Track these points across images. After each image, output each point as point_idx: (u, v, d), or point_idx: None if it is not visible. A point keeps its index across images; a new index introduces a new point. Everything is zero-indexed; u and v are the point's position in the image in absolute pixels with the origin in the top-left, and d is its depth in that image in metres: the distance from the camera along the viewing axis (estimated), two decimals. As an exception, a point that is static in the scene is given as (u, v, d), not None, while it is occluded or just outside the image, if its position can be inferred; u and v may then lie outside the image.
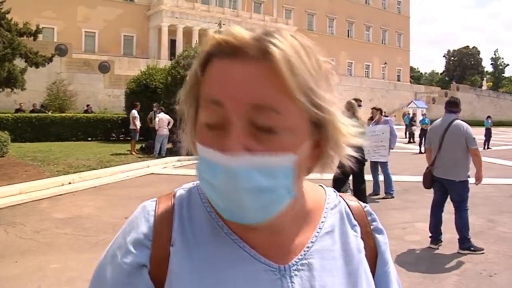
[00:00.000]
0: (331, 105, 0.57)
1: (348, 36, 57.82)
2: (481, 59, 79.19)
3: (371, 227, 0.73)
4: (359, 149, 0.61)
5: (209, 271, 0.60)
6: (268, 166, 0.53)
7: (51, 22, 37.16)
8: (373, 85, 47.94)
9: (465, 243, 4.84)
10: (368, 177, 7.77)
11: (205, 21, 41.73)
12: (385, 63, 56.26)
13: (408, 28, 66.04)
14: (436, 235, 5.05)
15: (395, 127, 8.03)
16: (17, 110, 19.85)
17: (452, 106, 5.11)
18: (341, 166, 0.63)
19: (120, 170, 10.23)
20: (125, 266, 0.60)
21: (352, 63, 57.29)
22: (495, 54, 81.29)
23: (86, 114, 19.41)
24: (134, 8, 42.72)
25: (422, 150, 16.49)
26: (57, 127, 17.21)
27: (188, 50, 14.99)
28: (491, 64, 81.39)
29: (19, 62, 14.34)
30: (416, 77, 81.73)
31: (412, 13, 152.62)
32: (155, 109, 14.17)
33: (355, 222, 0.71)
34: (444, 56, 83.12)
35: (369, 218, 0.74)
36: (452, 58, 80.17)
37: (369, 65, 59.58)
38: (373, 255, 0.71)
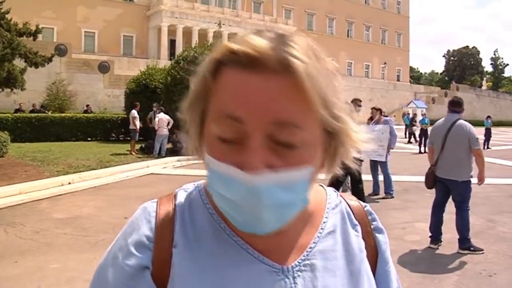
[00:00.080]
0: (344, 113, 0.57)
1: (347, 36, 57.84)
2: (480, 59, 79.24)
3: (372, 226, 0.73)
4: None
5: (212, 272, 0.59)
6: (289, 181, 0.53)
7: (51, 22, 37.15)
8: (373, 85, 47.96)
9: (465, 243, 4.84)
10: (368, 177, 7.78)
11: (204, 21, 41.74)
12: (385, 63, 56.28)
13: (408, 28, 66.07)
14: (436, 235, 5.05)
15: (395, 127, 8.03)
16: (17, 110, 19.84)
17: (455, 106, 5.09)
18: (346, 168, 0.64)
19: (119, 170, 10.22)
20: (127, 268, 0.60)
21: (351, 63, 57.29)
22: (494, 54, 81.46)
23: (85, 114, 19.40)
24: (133, 8, 42.72)
25: (422, 150, 16.52)
26: (57, 127, 17.20)
27: (188, 50, 14.99)
28: (491, 64, 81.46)
29: (19, 62, 14.34)
30: (416, 77, 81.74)
31: (412, 13, 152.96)
32: (154, 109, 14.17)
33: (356, 222, 0.72)
34: (443, 56, 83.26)
35: (369, 217, 0.74)
36: (452, 58, 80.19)
37: (368, 65, 59.60)
38: (374, 255, 0.71)
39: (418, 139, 18.21)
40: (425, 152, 16.15)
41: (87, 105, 22.28)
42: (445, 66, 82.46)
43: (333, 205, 0.71)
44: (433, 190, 5.29)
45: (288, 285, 0.61)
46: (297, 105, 0.52)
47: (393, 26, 62.80)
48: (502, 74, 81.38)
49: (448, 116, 5.07)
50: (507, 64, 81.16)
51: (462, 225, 4.86)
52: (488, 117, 21.72)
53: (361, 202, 0.76)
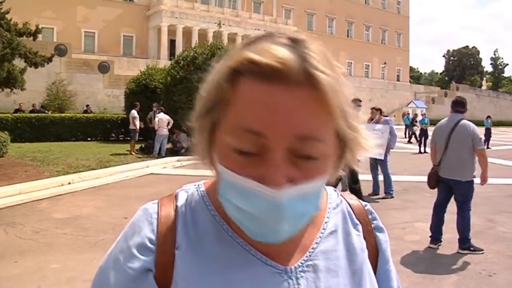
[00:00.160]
0: (357, 121, 0.57)
1: (347, 36, 57.83)
2: (480, 59, 79.26)
3: (372, 225, 0.73)
4: None
5: (215, 274, 0.59)
6: (308, 192, 0.54)
7: (51, 22, 37.14)
8: (373, 85, 47.96)
9: (465, 243, 4.84)
10: (368, 177, 7.78)
11: (204, 21, 41.74)
12: (385, 63, 56.28)
13: (408, 28, 66.06)
14: (436, 235, 5.05)
15: (394, 127, 8.03)
16: (17, 110, 19.84)
17: (459, 105, 5.09)
18: (350, 170, 0.64)
19: (119, 170, 10.23)
20: (130, 271, 0.59)
21: (351, 63, 57.27)
22: (494, 54, 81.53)
23: (85, 114, 19.41)
24: (133, 8, 42.71)
25: (422, 150, 16.52)
26: (57, 127, 17.20)
27: (188, 50, 14.99)
28: (491, 64, 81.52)
29: (19, 62, 14.34)
30: (416, 77, 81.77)
31: (412, 13, 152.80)
32: (154, 109, 14.17)
33: (357, 221, 0.72)
34: (443, 56, 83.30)
35: (369, 216, 0.74)
36: (452, 58, 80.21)
37: (368, 65, 59.59)
38: (374, 254, 0.71)
39: (418, 139, 18.22)
40: (425, 152, 16.17)
41: (87, 105, 22.28)
42: (445, 66, 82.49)
43: (334, 205, 0.71)
44: (433, 190, 5.30)
45: (292, 286, 0.61)
46: (319, 118, 0.52)
47: (393, 26, 62.80)
48: (502, 74, 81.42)
49: (451, 116, 5.06)
50: (507, 64, 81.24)
51: (463, 225, 4.86)
52: (488, 117, 21.73)
53: (361, 201, 0.76)
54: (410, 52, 66.66)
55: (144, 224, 0.63)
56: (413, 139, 21.12)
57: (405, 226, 5.97)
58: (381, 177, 7.95)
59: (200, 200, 0.66)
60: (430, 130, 6.99)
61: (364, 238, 0.71)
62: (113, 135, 18.55)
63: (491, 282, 4.09)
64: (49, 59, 15.21)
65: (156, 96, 15.84)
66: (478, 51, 79.00)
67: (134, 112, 14.03)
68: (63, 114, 18.93)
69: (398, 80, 60.90)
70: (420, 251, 4.96)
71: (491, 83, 78.24)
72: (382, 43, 62.00)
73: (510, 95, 63.84)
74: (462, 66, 77.04)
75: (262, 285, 0.60)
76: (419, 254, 4.86)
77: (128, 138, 15.26)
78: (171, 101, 14.01)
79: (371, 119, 8.23)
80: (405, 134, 23.59)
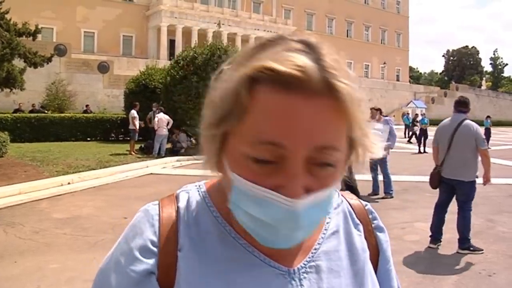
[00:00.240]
0: (367, 126, 0.57)
1: (347, 36, 57.82)
2: (480, 59, 79.26)
3: (373, 225, 0.73)
4: None
5: (218, 276, 0.59)
6: (323, 200, 0.54)
7: (50, 22, 37.13)
8: (372, 85, 47.95)
9: (465, 243, 4.84)
10: (367, 177, 7.78)
11: (204, 21, 41.74)
12: (384, 63, 56.28)
13: (407, 28, 66.08)
14: (436, 235, 5.05)
15: (394, 127, 8.03)
16: (16, 110, 19.83)
17: (462, 105, 5.08)
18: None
19: (119, 170, 10.22)
20: (133, 274, 0.58)
21: (351, 63, 57.20)
22: (494, 54, 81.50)
23: (85, 114, 19.40)
24: (133, 8, 42.70)
25: (422, 150, 16.53)
26: (56, 127, 17.19)
27: (187, 50, 14.98)
28: (490, 64, 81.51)
29: (18, 62, 14.34)
30: (415, 77, 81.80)
31: (411, 13, 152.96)
32: (154, 109, 14.17)
33: (358, 221, 0.72)
34: (443, 56, 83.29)
35: (370, 216, 0.74)
36: (452, 58, 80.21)
37: (368, 65, 59.58)
38: (375, 253, 0.71)
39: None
40: (424, 152, 16.17)
41: (87, 105, 22.29)
42: (444, 66, 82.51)
43: (335, 205, 0.71)
44: (432, 189, 5.30)
45: (295, 287, 0.61)
46: (338, 128, 0.52)
47: (393, 26, 62.81)
48: (502, 74, 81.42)
49: (454, 116, 5.05)
50: (507, 64, 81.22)
51: (464, 225, 4.85)
52: (488, 117, 21.74)
53: (362, 201, 0.76)
54: (409, 52, 66.74)
55: (146, 226, 0.62)
56: (413, 139, 21.13)
57: (405, 226, 5.97)
58: (380, 177, 7.95)
59: (201, 201, 0.65)
60: (430, 130, 6.98)
61: (365, 238, 0.71)
62: (113, 135, 18.55)
63: (491, 282, 4.09)
64: (49, 59, 15.22)
65: (156, 96, 15.84)
66: (478, 51, 79.03)
67: (133, 112, 14.03)
68: (62, 114, 18.91)
69: (397, 80, 60.91)
70: (420, 251, 4.96)
71: (490, 83, 78.26)
72: (381, 43, 62.01)
73: (510, 95, 63.87)
74: (462, 66, 77.05)
75: (265, 286, 0.60)
76: (419, 254, 4.86)
77: (128, 138, 15.25)
78: (171, 101, 14.01)
79: (371, 119, 8.23)
80: (405, 134, 23.60)
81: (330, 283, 0.63)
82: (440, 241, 5.05)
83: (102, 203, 7.14)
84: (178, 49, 32.78)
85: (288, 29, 44.90)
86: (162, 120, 13.11)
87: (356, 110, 0.52)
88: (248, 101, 0.51)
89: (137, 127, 13.95)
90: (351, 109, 0.51)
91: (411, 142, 20.84)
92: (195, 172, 9.62)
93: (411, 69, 75.88)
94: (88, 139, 17.72)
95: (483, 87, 70.46)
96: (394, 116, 35.14)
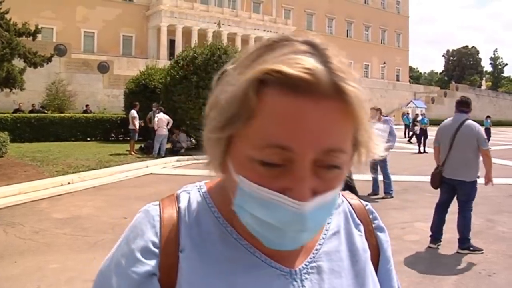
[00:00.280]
0: (371, 127, 0.57)
1: (347, 36, 57.80)
2: (480, 58, 79.25)
3: (373, 225, 0.73)
4: None
5: (220, 276, 0.59)
6: (328, 201, 0.54)
7: (50, 22, 37.12)
8: (372, 85, 47.93)
9: (465, 243, 4.84)
10: (367, 177, 7.77)
11: (204, 21, 41.75)
12: (384, 63, 56.28)
13: (407, 28, 66.08)
14: (436, 235, 5.04)
15: (394, 127, 8.03)
16: (16, 110, 19.84)
17: (463, 105, 5.09)
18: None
19: (119, 170, 10.22)
20: (134, 275, 0.58)
21: (351, 63, 56.45)
22: (494, 54, 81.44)
23: (85, 114, 19.40)
24: (133, 8, 42.70)
25: (421, 150, 16.53)
26: (56, 127, 17.19)
27: (187, 50, 14.99)
28: (490, 63, 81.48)
29: (18, 62, 14.34)
30: (415, 77, 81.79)
31: (411, 13, 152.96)
32: (154, 109, 14.16)
33: (358, 221, 0.72)
34: (443, 56, 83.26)
35: (370, 216, 0.74)
36: (451, 58, 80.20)
37: (368, 65, 59.56)
38: (376, 253, 0.71)
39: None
40: (424, 152, 16.17)
41: (87, 105, 22.30)
42: (444, 66, 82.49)
43: (336, 205, 0.71)
44: (432, 189, 5.30)
45: None
46: (345, 130, 0.52)
47: (393, 26, 62.81)
48: (502, 74, 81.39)
49: (456, 116, 5.05)
50: (507, 64, 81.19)
51: (464, 225, 4.85)
52: (488, 117, 21.77)
53: (362, 201, 0.76)
54: (409, 52, 66.73)
55: (147, 226, 0.62)
56: (413, 139, 21.13)
57: (405, 226, 5.97)
58: (380, 177, 7.95)
59: (202, 201, 0.65)
60: (430, 130, 6.98)
61: (366, 238, 0.71)
62: (113, 135, 18.55)
63: (491, 282, 4.09)
64: (49, 59, 15.21)
65: (156, 96, 15.84)
66: (478, 51, 79.02)
67: (133, 112, 14.02)
68: (62, 114, 18.91)
69: (397, 80, 60.91)
70: (420, 251, 4.96)
71: (490, 83, 78.26)
72: (381, 43, 62.01)
73: (510, 95, 63.88)
74: (462, 66, 77.03)
75: (267, 287, 0.59)
76: (419, 254, 4.86)
77: (128, 138, 15.25)
78: (171, 101, 14.01)
79: (371, 119, 8.23)
80: (405, 134, 23.59)
81: (331, 283, 0.63)
82: (440, 241, 5.05)
83: (102, 203, 7.14)
84: (178, 49, 32.79)
85: (288, 29, 44.92)
86: (162, 120, 13.11)
87: (363, 112, 0.52)
88: (256, 104, 0.51)
89: (137, 127, 13.94)
90: (359, 111, 0.51)
91: (411, 142, 20.84)
92: (195, 172, 9.62)
93: (411, 69, 75.89)
94: (88, 139, 17.72)
95: (483, 87, 70.47)
96: (394, 116, 35.16)
